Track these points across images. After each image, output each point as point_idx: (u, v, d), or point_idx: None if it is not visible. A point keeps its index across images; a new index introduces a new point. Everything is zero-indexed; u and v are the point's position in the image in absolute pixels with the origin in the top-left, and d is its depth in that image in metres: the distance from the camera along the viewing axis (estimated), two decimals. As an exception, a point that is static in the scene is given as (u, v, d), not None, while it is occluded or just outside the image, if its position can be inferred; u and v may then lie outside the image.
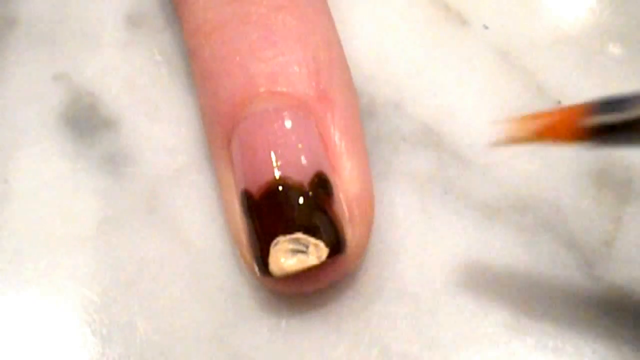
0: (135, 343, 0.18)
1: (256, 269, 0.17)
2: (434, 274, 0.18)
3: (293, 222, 0.16)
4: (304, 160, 0.17)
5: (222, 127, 0.18)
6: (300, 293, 0.18)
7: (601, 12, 0.21)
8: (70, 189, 0.19)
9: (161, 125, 0.20)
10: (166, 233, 0.19)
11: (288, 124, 0.17)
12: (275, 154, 0.17)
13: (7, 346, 0.18)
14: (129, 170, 0.20)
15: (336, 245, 0.16)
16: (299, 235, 0.16)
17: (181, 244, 0.19)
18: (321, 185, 0.17)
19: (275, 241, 0.16)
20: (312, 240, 0.16)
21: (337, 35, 0.19)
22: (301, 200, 0.16)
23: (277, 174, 0.16)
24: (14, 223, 0.19)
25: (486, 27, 0.21)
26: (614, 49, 0.21)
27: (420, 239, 0.19)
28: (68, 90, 0.21)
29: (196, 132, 0.20)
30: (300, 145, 0.17)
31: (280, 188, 0.16)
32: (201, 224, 0.19)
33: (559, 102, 0.20)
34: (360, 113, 0.20)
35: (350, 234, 0.17)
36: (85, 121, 0.20)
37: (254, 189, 0.17)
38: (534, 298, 0.18)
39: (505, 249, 0.18)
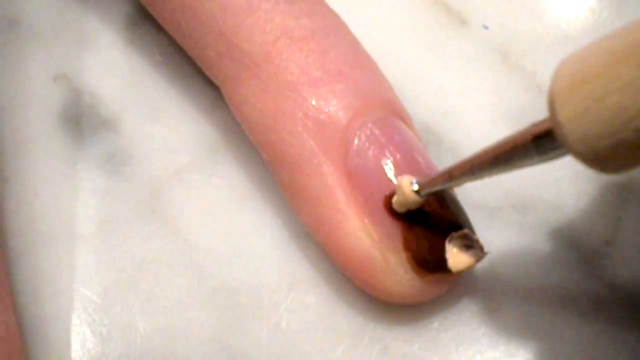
0: (135, 343, 0.18)
1: (424, 267, 0.16)
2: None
3: (462, 217, 0.17)
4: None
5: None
6: (434, 297, 0.17)
7: (601, 12, 0.21)
8: (70, 189, 0.19)
9: (161, 125, 0.20)
10: (166, 233, 0.19)
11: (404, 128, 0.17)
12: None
13: (7, 346, 0.18)
14: (129, 170, 0.20)
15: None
16: (466, 231, 0.16)
17: (181, 244, 0.19)
18: None
19: (449, 237, 0.16)
20: (474, 236, 0.16)
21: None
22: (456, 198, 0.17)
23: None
24: (14, 223, 0.19)
25: (486, 27, 0.21)
26: (614, 49, 0.21)
27: (420, 239, 0.18)
28: (68, 90, 0.21)
29: (196, 131, 0.20)
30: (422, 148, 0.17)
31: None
32: (201, 224, 0.19)
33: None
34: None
35: None
36: (85, 121, 0.20)
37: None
38: (534, 298, 0.18)
39: (505, 249, 0.18)
